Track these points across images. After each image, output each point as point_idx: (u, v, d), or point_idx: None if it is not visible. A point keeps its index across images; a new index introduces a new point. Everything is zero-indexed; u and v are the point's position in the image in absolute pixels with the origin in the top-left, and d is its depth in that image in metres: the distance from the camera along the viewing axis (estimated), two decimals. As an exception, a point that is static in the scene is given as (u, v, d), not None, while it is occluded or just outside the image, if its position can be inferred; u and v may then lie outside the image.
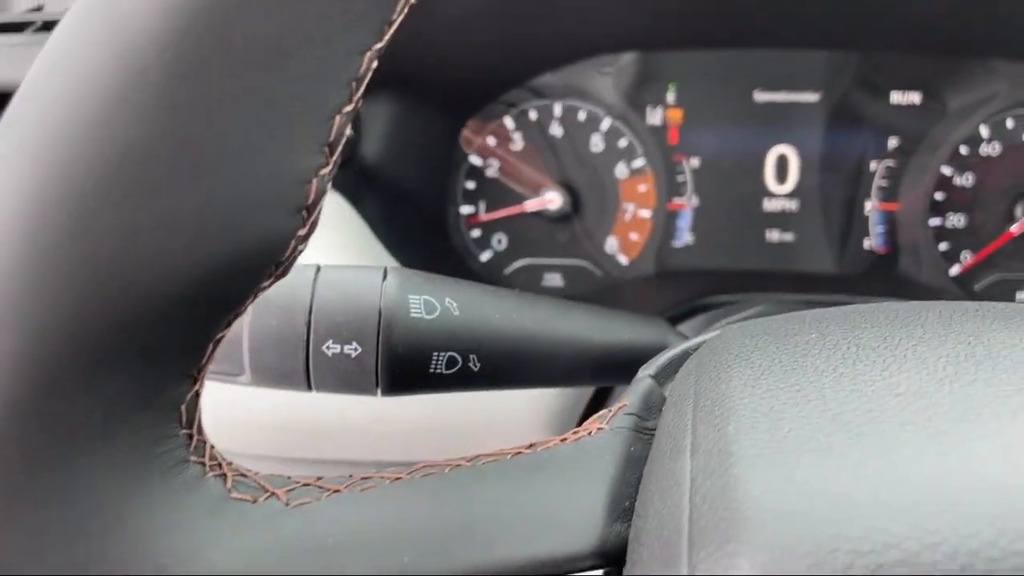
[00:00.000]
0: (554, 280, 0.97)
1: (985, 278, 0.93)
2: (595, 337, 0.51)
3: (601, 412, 0.38)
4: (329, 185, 0.28)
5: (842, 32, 0.84)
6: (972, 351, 0.33)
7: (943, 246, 0.93)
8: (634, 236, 0.96)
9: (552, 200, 0.94)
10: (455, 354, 0.46)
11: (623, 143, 0.95)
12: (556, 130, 0.95)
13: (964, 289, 0.92)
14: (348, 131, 0.76)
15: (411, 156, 0.82)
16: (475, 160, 0.95)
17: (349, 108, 0.27)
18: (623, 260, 0.97)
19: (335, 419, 0.67)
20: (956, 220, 0.93)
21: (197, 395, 0.29)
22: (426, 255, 0.82)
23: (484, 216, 0.96)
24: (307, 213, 0.28)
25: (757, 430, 0.29)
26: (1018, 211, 0.91)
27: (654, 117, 0.97)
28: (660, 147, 0.96)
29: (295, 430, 0.67)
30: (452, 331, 0.46)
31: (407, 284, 0.46)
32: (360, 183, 0.75)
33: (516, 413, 0.71)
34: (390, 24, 0.27)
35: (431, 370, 0.45)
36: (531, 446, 0.36)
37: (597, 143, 0.96)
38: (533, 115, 0.95)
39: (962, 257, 0.93)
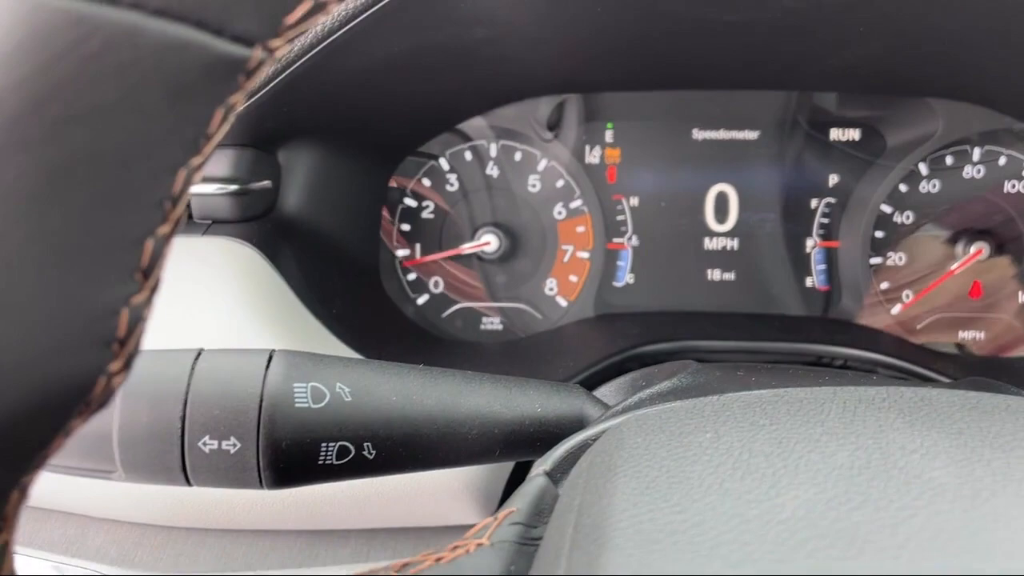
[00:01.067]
0: (493, 324, 0.94)
1: (927, 318, 0.92)
2: (504, 411, 0.49)
3: (487, 521, 0.35)
4: (147, 311, 0.26)
5: (780, 74, 0.83)
6: (868, 461, 0.31)
7: (884, 285, 0.92)
8: (573, 278, 0.94)
9: (488, 242, 0.92)
10: (347, 443, 0.43)
11: (560, 184, 0.94)
12: (492, 171, 0.93)
13: (906, 329, 0.91)
14: (266, 183, 0.72)
15: (337, 204, 0.79)
16: (410, 202, 0.93)
17: (166, 229, 0.25)
18: (562, 302, 0.94)
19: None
20: (897, 259, 0.92)
21: (6, 544, 0.26)
22: (355, 306, 0.79)
23: (420, 259, 0.94)
24: (120, 345, 0.25)
25: (629, 564, 0.27)
26: (959, 249, 0.90)
27: (592, 157, 0.95)
28: (599, 187, 0.94)
29: (190, 500, 0.64)
30: (343, 419, 0.43)
31: (293, 371, 0.43)
32: (279, 236, 0.72)
33: (439, 474, 0.68)
34: (209, 137, 0.24)
35: (320, 461, 0.43)
36: (405, 564, 0.33)
37: (534, 184, 0.94)
38: (468, 156, 0.93)
39: (904, 296, 0.92)
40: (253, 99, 0.62)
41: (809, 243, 0.94)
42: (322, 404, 0.43)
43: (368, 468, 0.44)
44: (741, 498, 0.29)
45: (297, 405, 0.42)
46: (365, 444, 0.44)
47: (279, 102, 0.65)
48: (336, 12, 0.56)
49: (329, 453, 0.43)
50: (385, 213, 0.92)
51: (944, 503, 0.28)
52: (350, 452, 0.43)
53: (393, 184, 0.92)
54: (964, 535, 0.26)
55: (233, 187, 0.70)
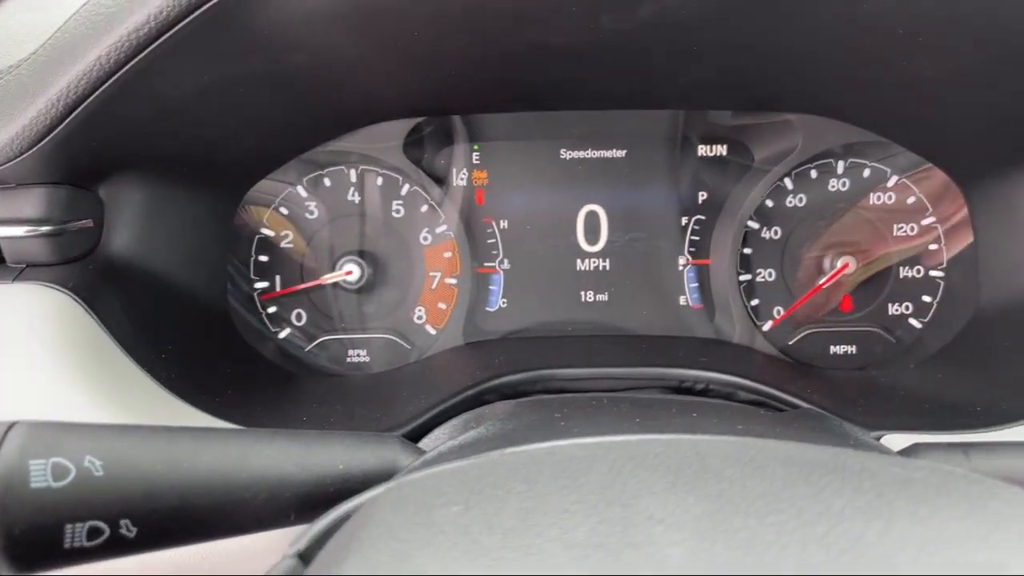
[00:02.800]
0: (360, 356, 0.90)
1: (797, 333, 0.91)
2: (297, 472, 0.45)
3: None
4: None
5: (636, 93, 0.81)
6: (607, 535, 0.29)
7: (754, 302, 0.91)
8: (442, 305, 0.91)
9: (350, 271, 0.88)
10: (98, 523, 0.39)
11: (424, 208, 0.90)
12: (353, 197, 0.90)
13: (776, 345, 0.91)
14: (85, 222, 0.67)
15: (173, 240, 0.75)
16: (268, 232, 0.89)
17: None
18: (431, 330, 0.91)
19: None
20: (766, 275, 0.91)
21: None
22: (197, 349, 0.74)
23: (280, 291, 0.89)
24: None
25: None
26: (826, 264, 0.89)
27: (459, 179, 0.92)
28: (467, 210, 0.92)
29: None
30: (91, 497, 0.39)
31: (31, 446, 0.39)
32: (103, 279, 0.67)
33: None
34: None
35: (67, 545, 0.39)
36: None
37: (398, 209, 0.90)
38: (328, 183, 0.89)
39: (775, 312, 0.91)
40: (48, 136, 0.58)
41: (681, 261, 0.93)
42: (65, 481, 0.38)
43: (129, 547, 0.40)
44: None
45: (33, 485, 0.38)
46: (122, 521, 0.40)
47: (86, 136, 0.60)
48: (120, 44, 0.52)
49: (77, 535, 0.39)
50: (239, 246, 0.88)
51: None
52: (103, 532, 0.39)
53: (246, 214, 0.88)
54: None
55: (45, 228, 0.65)
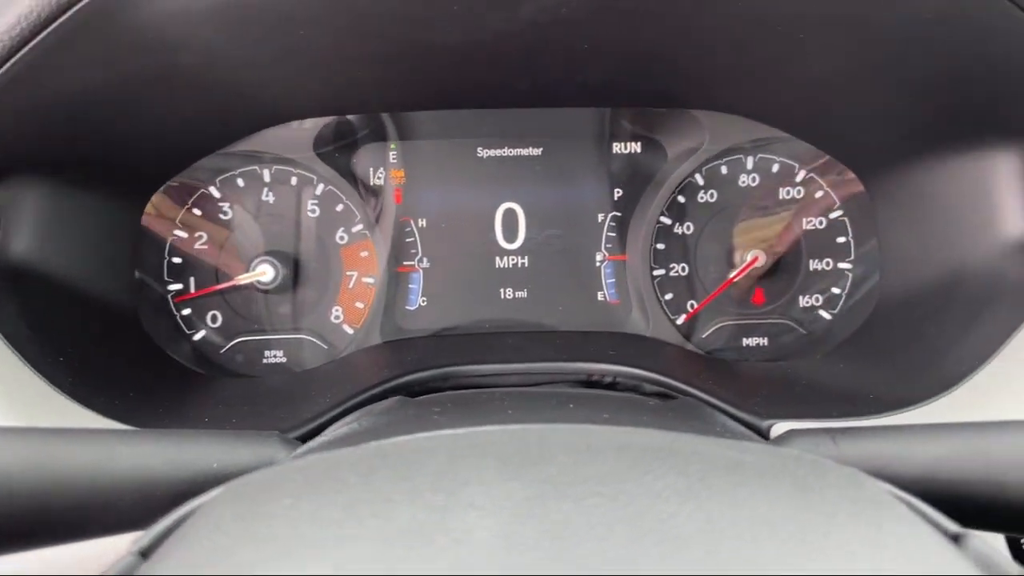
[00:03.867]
0: (276, 356, 0.90)
1: (710, 327, 0.93)
2: (169, 471, 0.45)
3: None
4: None
5: (541, 91, 0.82)
6: (423, 524, 0.30)
7: (668, 296, 0.93)
8: (359, 304, 0.91)
9: (264, 272, 0.88)
10: None
11: (340, 208, 0.90)
12: (268, 197, 0.90)
13: (690, 338, 0.92)
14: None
15: (76, 244, 0.74)
16: (181, 234, 0.88)
17: None
18: (349, 330, 0.91)
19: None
20: (679, 270, 0.93)
21: None
22: (103, 355, 0.74)
23: (194, 293, 0.89)
24: None
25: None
26: (736, 258, 0.91)
27: (376, 179, 0.92)
28: (385, 209, 0.92)
29: None
30: None
31: None
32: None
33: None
34: None
35: None
36: None
37: (313, 209, 0.90)
38: (241, 183, 0.89)
39: (688, 306, 0.93)
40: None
41: (598, 257, 0.94)
42: None
43: None
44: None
45: None
46: None
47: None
48: (-8, 43, 0.51)
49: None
50: (152, 248, 0.87)
51: (475, 565, 0.27)
52: (-44, 535, 0.39)
53: (158, 216, 0.87)
54: None
55: (-66, 232, 0.64)
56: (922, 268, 0.81)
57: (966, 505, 0.45)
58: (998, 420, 0.47)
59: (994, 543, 0.59)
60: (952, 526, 0.39)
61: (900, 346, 0.78)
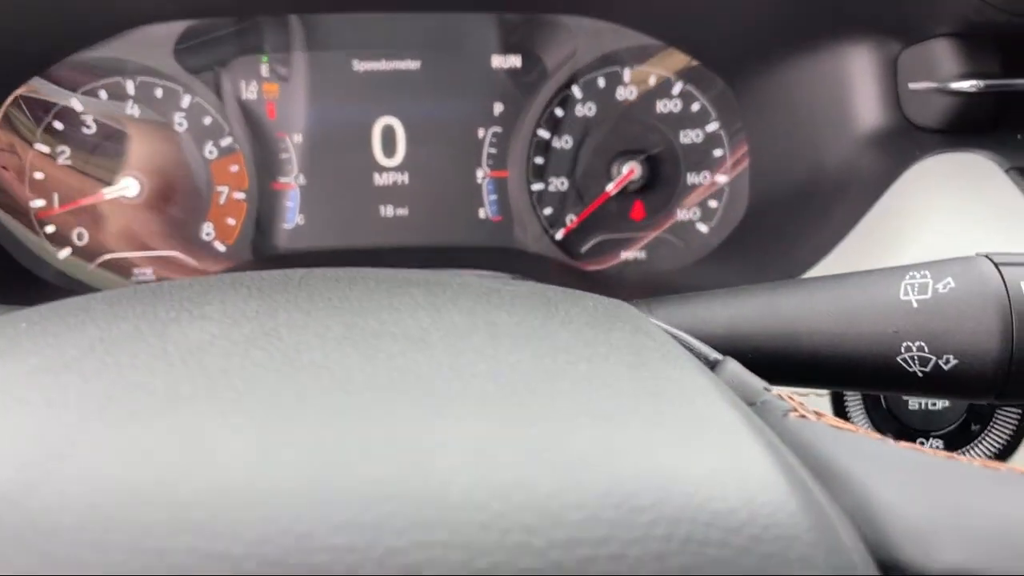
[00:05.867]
0: (145, 275, 0.88)
1: (588, 241, 0.93)
2: None
3: None
4: None
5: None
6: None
7: (547, 211, 0.92)
8: (231, 221, 0.89)
9: (128, 187, 0.85)
10: None
11: (208, 121, 0.88)
12: (133, 110, 0.87)
13: (569, 253, 0.92)
14: None
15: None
16: (42, 148, 0.85)
17: None
18: (220, 247, 0.89)
19: None
20: (559, 184, 0.92)
21: None
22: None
23: (58, 208, 0.86)
24: None
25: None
26: (614, 170, 0.91)
27: (249, 92, 0.90)
28: (258, 124, 0.90)
29: None
30: None
31: None
32: None
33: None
34: None
35: None
36: None
37: (180, 122, 0.88)
38: (104, 95, 0.86)
39: (567, 220, 0.93)
40: None
41: (479, 174, 0.93)
42: None
43: None
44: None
45: None
46: None
47: None
48: None
49: None
50: (9, 164, 0.84)
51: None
52: None
53: (15, 131, 0.84)
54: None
55: None
56: (787, 170, 0.81)
57: (767, 361, 0.45)
58: (794, 279, 0.47)
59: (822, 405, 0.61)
60: (713, 354, 0.39)
61: (763, 244, 0.79)
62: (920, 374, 0.41)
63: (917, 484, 0.27)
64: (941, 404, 0.63)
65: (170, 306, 0.30)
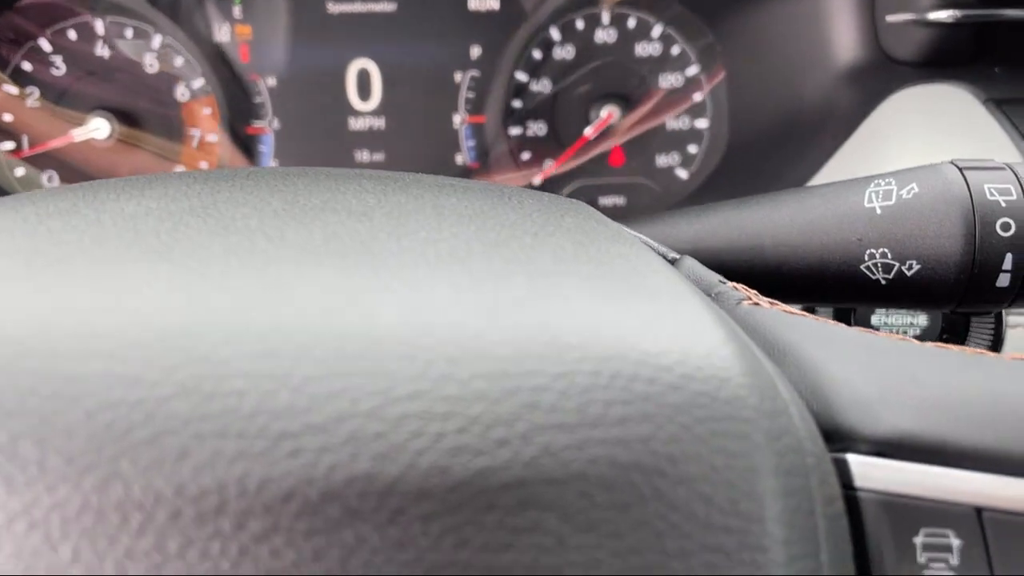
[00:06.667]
0: (118, 218, 0.87)
1: (567, 186, 0.92)
2: None
3: None
4: None
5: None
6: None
7: (525, 155, 0.91)
8: (203, 164, 0.88)
9: (99, 127, 0.84)
10: None
11: (180, 62, 0.87)
12: (103, 51, 0.85)
13: (548, 197, 0.91)
14: None
15: None
16: (10, 90, 0.84)
17: None
18: (194, 191, 0.88)
19: None
20: (537, 128, 0.91)
21: None
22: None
23: (28, 150, 0.85)
24: None
25: None
26: (592, 115, 0.90)
27: (222, 34, 0.88)
28: (232, 67, 0.88)
29: None
30: None
31: None
32: None
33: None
34: None
35: None
36: None
37: (152, 63, 0.86)
38: (73, 35, 0.85)
39: (545, 166, 0.92)
40: None
41: (456, 119, 0.92)
42: None
43: None
44: None
45: None
46: None
47: None
48: None
49: None
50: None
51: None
52: None
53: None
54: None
55: None
56: (766, 112, 0.81)
57: (733, 276, 0.45)
58: (758, 195, 0.47)
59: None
60: (671, 254, 0.39)
61: (741, 184, 0.79)
62: (883, 282, 0.41)
63: (866, 359, 0.26)
64: (913, 332, 0.63)
65: (111, 189, 0.30)
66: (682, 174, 0.92)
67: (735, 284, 0.33)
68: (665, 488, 0.17)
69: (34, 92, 0.84)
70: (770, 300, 0.31)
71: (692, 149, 0.91)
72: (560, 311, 0.20)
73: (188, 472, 0.16)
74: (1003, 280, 0.38)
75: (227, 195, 0.29)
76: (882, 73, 0.69)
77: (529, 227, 0.27)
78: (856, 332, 0.29)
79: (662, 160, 0.92)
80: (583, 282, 0.23)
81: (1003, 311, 0.61)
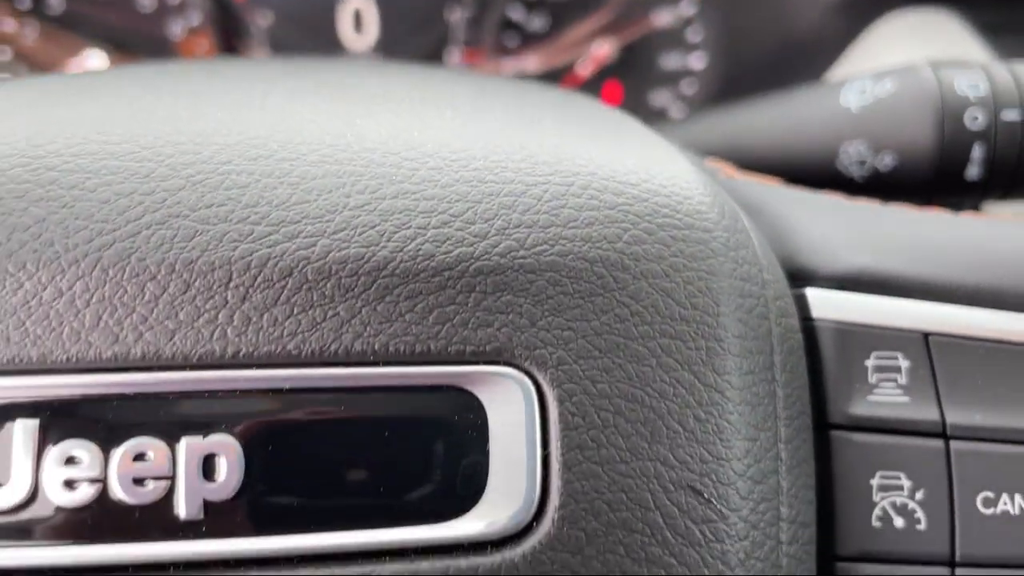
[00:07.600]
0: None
1: (560, 122, 0.93)
2: None
3: None
4: None
5: None
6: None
7: (519, 93, 0.92)
8: (200, 101, 0.89)
9: (93, 63, 0.85)
10: None
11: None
12: (98, -14, 0.86)
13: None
14: None
15: None
16: (5, 27, 0.84)
17: None
18: (191, 128, 0.89)
19: None
20: (531, 66, 0.92)
21: None
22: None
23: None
24: None
25: None
26: (585, 50, 0.91)
27: (216, -29, 0.89)
28: (224, 3, 0.89)
29: None
30: None
31: None
32: None
33: None
34: None
35: None
36: None
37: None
38: (68, -31, 0.85)
39: (539, 103, 0.92)
40: None
41: (450, 56, 0.93)
42: None
43: None
44: None
45: None
46: None
47: None
48: None
49: None
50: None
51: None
52: None
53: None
54: None
55: None
56: (758, 48, 0.82)
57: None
58: (740, 101, 0.48)
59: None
60: None
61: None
62: (859, 179, 0.42)
63: (832, 211, 0.28)
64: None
65: (126, 69, 0.31)
66: (676, 115, 0.93)
67: (713, 161, 0.35)
68: (627, 281, 0.19)
69: (29, 26, 0.85)
70: (746, 172, 0.33)
71: (687, 91, 0.92)
72: (538, 139, 0.22)
73: (197, 250, 0.17)
74: (972, 172, 0.39)
75: (239, 66, 0.30)
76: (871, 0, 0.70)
77: (522, 88, 0.29)
78: (824, 195, 0.31)
79: (656, 99, 0.93)
80: (564, 122, 0.24)
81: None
